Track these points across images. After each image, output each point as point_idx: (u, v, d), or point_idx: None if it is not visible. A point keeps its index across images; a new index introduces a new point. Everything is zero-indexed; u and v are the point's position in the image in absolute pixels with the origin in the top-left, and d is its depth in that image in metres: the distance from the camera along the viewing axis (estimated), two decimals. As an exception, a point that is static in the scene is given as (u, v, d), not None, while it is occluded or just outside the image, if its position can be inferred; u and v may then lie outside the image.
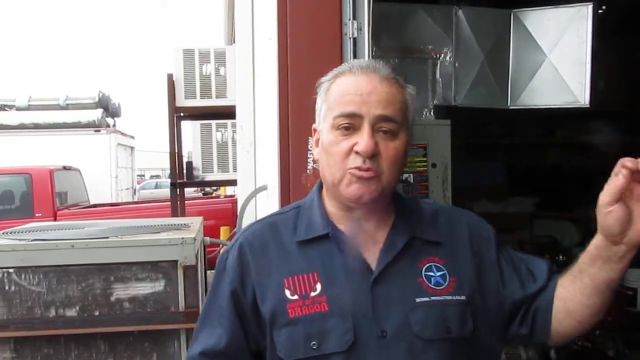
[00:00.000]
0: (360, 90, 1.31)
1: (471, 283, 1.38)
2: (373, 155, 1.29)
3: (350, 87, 1.32)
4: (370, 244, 1.38)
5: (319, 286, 1.33)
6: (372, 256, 1.36)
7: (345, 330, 1.29)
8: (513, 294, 1.40)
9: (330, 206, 1.42)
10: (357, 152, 1.29)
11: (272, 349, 1.36)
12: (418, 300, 1.32)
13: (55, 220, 7.92)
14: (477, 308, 1.37)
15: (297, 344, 1.31)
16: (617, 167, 1.21)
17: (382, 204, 1.39)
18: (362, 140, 1.28)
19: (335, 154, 1.32)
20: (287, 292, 1.34)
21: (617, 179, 1.20)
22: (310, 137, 2.35)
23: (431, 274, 1.36)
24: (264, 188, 2.96)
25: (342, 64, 1.42)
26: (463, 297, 1.35)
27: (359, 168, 1.29)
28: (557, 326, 1.38)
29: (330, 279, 1.34)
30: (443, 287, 1.35)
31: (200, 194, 16.44)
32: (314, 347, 1.30)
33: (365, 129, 1.29)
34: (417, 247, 1.39)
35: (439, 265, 1.38)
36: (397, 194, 1.47)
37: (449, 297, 1.34)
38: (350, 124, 1.31)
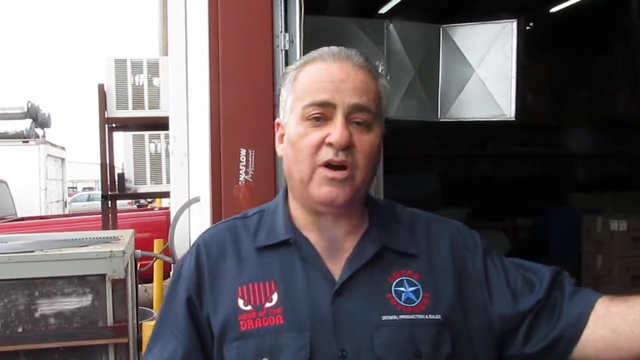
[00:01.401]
0: (333, 77, 1.19)
1: (450, 300, 1.23)
2: (347, 148, 1.17)
3: (322, 74, 1.20)
4: (337, 253, 1.25)
5: (275, 297, 1.20)
6: (338, 266, 1.23)
7: (301, 347, 1.16)
8: (502, 309, 1.25)
9: (296, 210, 1.29)
10: (329, 144, 1.17)
11: None
12: (384, 318, 1.18)
13: (-21, 234, 7.61)
14: (458, 328, 1.23)
15: None
16: None
17: (354, 208, 1.26)
18: (336, 130, 1.16)
19: (304, 148, 1.19)
20: (241, 302, 1.21)
21: None
22: (242, 148, 2.38)
23: (402, 289, 1.22)
24: (196, 200, 2.93)
25: (311, 52, 1.28)
26: (438, 317, 1.21)
27: (331, 161, 1.17)
28: (589, 352, 1.22)
29: (289, 290, 1.21)
30: (415, 304, 1.21)
31: (135, 206, 16.13)
32: None
33: (339, 119, 1.17)
34: (389, 258, 1.25)
35: (412, 279, 1.23)
36: (371, 198, 1.34)
37: (421, 316, 1.20)
38: (321, 113, 1.18)
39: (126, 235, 2.91)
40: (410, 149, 6.03)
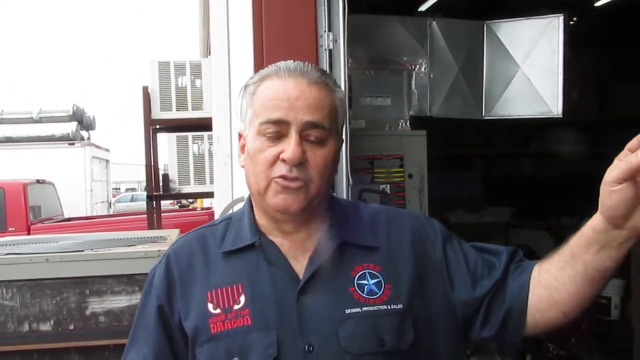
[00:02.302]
0: (288, 95, 1.23)
1: (411, 290, 1.28)
2: (300, 164, 1.22)
3: (277, 92, 1.24)
4: (300, 253, 1.30)
5: (242, 299, 1.26)
6: (301, 266, 1.28)
7: (268, 345, 1.21)
8: (462, 295, 1.30)
9: (260, 217, 1.34)
10: (283, 160, 1.22)
11: None
12: (348, 311, 1.24)
13: (28, 234, 7.80)
14: (420, 316, 1.28)
15: None
16: (634, 143, 1.06)
17: (313, 213, 1.31)
18: (289, 147, 1.21)
19: (260, 162, 1.24)
20: (210, 306, 1.26)
21: (633, 157, 1.04)
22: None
23: (364, 282, 1.27)
24: (240, 200, 2.96)
25: (269, 66, 1.32)
26: (400, 306, 1.26)
27: (284, 177, 1.22)
28: (537, 317, 1.27)
29: (256, 291, 1.26)
30: (377, 296, 1.26)
31: (177, 207, 16.32)
32: None
33: (292, 136, 1.22)
34: (351, 253, 1.30)
35: (374, 272, 1.28)
36: (334, 200, 1.41)
37: (383, 307, 1.25)
38: (276, 130, 1.23)
39: (172, 235, 2.95)
40: (452, 148, 5.98)
